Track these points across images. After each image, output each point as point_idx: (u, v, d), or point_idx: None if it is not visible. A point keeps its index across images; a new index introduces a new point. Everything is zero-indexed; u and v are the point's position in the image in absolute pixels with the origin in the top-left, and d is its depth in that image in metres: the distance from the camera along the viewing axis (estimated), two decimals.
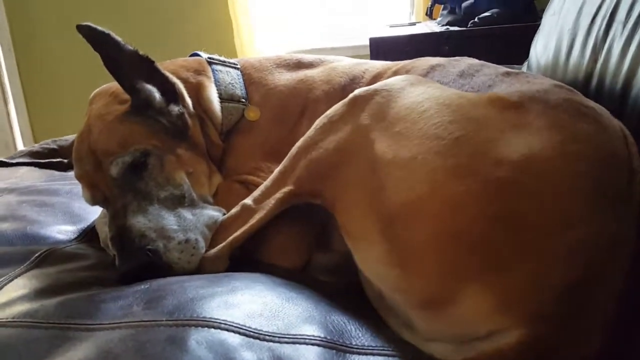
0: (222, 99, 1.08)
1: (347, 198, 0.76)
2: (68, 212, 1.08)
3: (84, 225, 1.06)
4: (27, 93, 3.40)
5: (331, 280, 0.87)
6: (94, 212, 1.08)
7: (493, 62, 1.00)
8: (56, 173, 1.27)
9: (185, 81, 1.05)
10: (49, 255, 0.90)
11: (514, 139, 0.67)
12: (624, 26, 0.93)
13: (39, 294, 0.76)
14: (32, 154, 1.05)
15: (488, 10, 2.15)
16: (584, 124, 0.70)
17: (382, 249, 0.69)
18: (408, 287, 0.67)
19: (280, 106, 1.08)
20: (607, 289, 0.65)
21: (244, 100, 1.09)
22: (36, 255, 0.89)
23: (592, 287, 0.63)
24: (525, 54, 1.53)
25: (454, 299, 0.63)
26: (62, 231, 1.01)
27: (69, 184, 1.22)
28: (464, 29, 2.17)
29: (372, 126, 0.76)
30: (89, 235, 1.03)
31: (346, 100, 0.82)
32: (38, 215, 1.04)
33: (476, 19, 2.14)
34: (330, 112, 0.84)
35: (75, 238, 1.01)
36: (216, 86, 1.09)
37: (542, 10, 1.55)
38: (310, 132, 0.84)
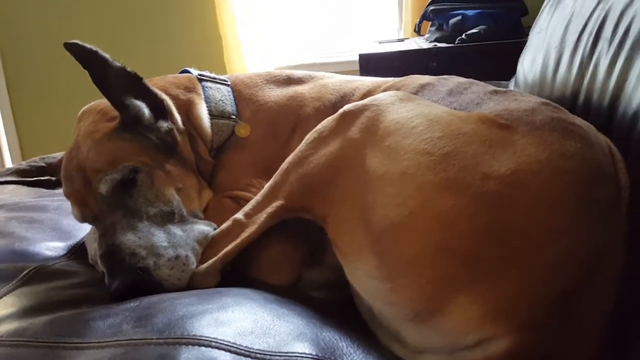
0: (213, 115, 1.08)
1: (337, 212, 0.76)
2: (57, 229, 1.07)
3: (73, 241, 1.05)
4: (16, 110, 3.39)
5: (323, 296, 0.87)
6: (83, 229, 1.07)
7: (480, 78, 1.02)
8: (44, 190, 1.26)
9: (175, 98, 1.05)
10: (38, 272, 0.89)
11: (501, 155, 0.68)
12: (610, 43, 0.94)
13: (28, 312, 0.75)
14: (19, 172, 1.04)
15: (475, 27, 2.17)
16: (570, 141, 0.71)
17: (373, 263, 0.69)
18: (398, 301, 0.67)
19: (271, 123, 1.08)
20: (596, 299, 0.66)
21: (234, 116, 1.09)
22: (25, 272, 0.88)
23: (581, 297, 0.64)
24: (513, 70, 1.55)
25: (444, 310, 0.64)
26: (51, 248, 1.00)
27: (58, 200, 1.21)
28: (452, 45, 2.18)
29: (361, 140, 0.77)
30: (78, 251, 1.02)
31: (336, 115, 0.83)
32: (27, 231, 1.03)
33: (464, 36, 2.16)
34: (320, 127, 0.84)
35: (64, 255, 1.00)
36: (206, 103, 1.09)
37: (529, 28, 1.57)
38: (300, 147, 0.85)
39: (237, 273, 0.88)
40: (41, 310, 0.75)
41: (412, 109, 0.77)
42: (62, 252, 1.01)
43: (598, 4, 1.04)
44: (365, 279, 0.71)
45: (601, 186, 0.70)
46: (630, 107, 0.83)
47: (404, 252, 0.67)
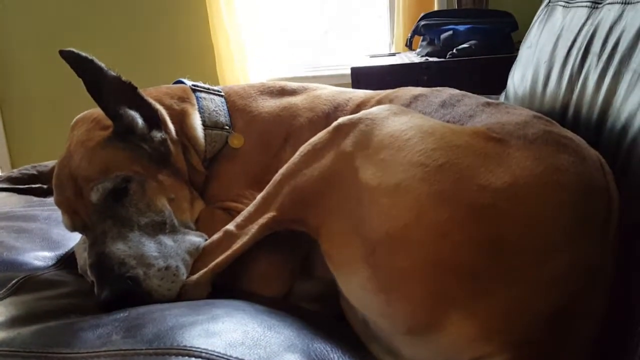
0: (206, 126, 1.08)
1: (331, 225, 0.76)
2: (46, 238, 1.06)
3: (62, 251, 1.04)
4: (5, 118, 3.37)
5: (314, 308, 0.87)
6: (73, 239, 1.07)
7: (471, 92, 1.02)
8: (34, 199, 1.25)
9: (168, 108, 1.06)
10: (27, 282, 0.88)
11: (497, 168, 0.68)
12: (599, 58, 0.95)
13: (16, 321, 0.74)
14: (11, 179, 1.04)
15: (466, 42, 2.19)
16: (564, 154, 0.71)
17: (367, 275, 0.69)
18: (393, 313, 0.67)
19: (264, 133, 1.08)
20: (589, 315, 0.66)
21: (227, 127, 1.09)
22: (13, 282, 0.87)
23: (575, 314, 0.64)
24: (503, 85, 1.56)
25: (439, 326, 0.64)
26: (40, 257, 0.99)
27: (48, 209, 1.20)
28: (443, 59, 2.21)
29: (355, 153, 0.77)
30: (67, 261, 1.01)
31: (330, 128, 0.83)
32: (16, 241, 1.02)
33: (454, 50, 2.18)
34: (314, 139, 0.84)
35: (54, 264, 0.99)
36: (200, 113, 1.09)
37: (519, 42, 1.59)
38: (293, 159, 0.85)
39: (227, 284, 0.87)
40: (29, 320, 0.75)
41: (406, 122, 0.77)
42: (51, 262, 1.00)
43: (587, 19, 1.06)
44: (359, 291, 0.71)
45: (594, 201, 0.70)
46: (618, 121, 0.84)
47: (398, 264, 0.66)
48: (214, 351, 0.62)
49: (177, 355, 0.61)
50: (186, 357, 0.61)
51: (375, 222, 0.69)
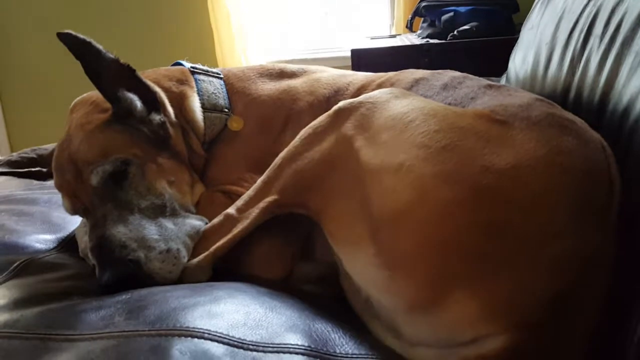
0: (205, 108, 1.07)
1: (334, 206, 0.76)
2: (47, 221, 1.07)
3: (63, 234, 1.04)
4: (4, 102, 3.36)
5: (314, 290, 0.87)
6: (74, 222, 1.07)
7: (472, 75, 1.02)
8: (34, 182, 1.25)
9: (167, 90, 1.05)
10: (28, 264, 0.89)
11: (500, 150, 0.68)
12: (601, 40, 0.95)
13: (19, 304, 0.75)
14: (10, 163, 1.03)
15: (467, 23, 2.18)
16: (566, 137, 0.71)
17: (372, 251, 0.69)
18: (397, 290, 0.68)
19: (264, 116, 1.08)
20: (591, 299, 0.66)
21: (227, 110, 1.09)
22: (15, 265, 0.88)
23: (576, 297, 0.65)
24: (504, 67, 1.56)
25: (441, 304, 0.64)
26: (41, 240, 1.00)
27: (48, 192, 1.20)
28: (444, 41, 2.20)
29: (356, 136, 0.77)
30: (68, 244, 1.01)
31: (331, 111, 0.83)
32: (16, 224, 1.02)
33: (455, 32, 2.17)
34: (314, 123, 0.84)
35: (55, 247, 0.99)
36: (199, 96, 1.08)
37: (520, 24, 1.58)
38: (294, 142, 0.85)
39: (228, 268, 0.88)
40: (32, 302, 0.75)
41: (408, 105, 0.77)
42: (52, 245, 1.00)
43: (589, 1, 1.05)
44: (364, 267, 0.72)
45: (596, 184, 0.70)
46: (620, 103, 0.84)
47: (402, 242, 0.67)
48: (216, 332, 0.63)
49: (179, 336, 0.62)
50: (189, 338, 0.61)
51: (379, 201, 0.69)
